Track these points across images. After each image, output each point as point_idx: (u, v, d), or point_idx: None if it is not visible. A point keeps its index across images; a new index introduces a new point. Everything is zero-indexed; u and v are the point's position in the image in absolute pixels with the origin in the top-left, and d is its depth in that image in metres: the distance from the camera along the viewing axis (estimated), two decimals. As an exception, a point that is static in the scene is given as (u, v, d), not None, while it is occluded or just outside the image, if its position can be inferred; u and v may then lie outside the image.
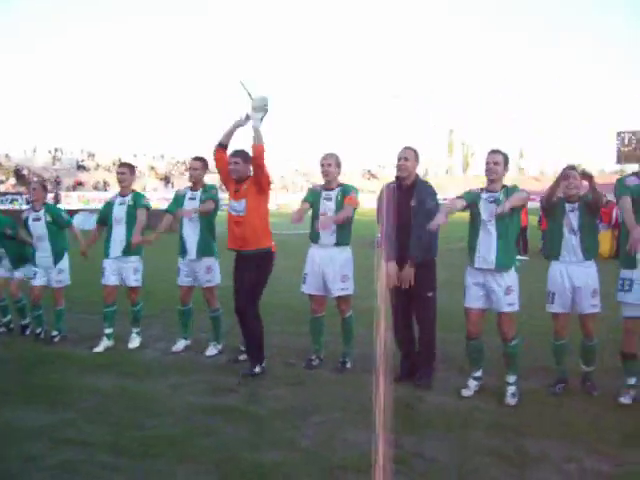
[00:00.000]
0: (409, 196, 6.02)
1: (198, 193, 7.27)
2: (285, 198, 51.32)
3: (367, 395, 5.56)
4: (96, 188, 53.46)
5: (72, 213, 26.78)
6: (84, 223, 21.27)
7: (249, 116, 6.45)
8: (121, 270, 7.51)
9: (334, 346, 6.90)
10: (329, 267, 6.48)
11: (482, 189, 5.77)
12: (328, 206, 6.48)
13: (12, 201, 39.43)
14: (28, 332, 8.29)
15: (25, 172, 53.36)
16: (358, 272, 6.62)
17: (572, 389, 5.84)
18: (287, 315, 8.38)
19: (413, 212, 5.94)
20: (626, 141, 54.98)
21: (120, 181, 7.63)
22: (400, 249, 5.88)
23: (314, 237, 6.60)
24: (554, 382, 5.88)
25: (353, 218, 6.56)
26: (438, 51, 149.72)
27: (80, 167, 60.36)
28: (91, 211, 26.27)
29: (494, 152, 5.72)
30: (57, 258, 7.84)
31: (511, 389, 5.63)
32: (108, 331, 7.57)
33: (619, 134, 56.24)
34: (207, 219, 7.24)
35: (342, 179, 6.72)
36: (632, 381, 5.57)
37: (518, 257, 6.30)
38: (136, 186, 8.24)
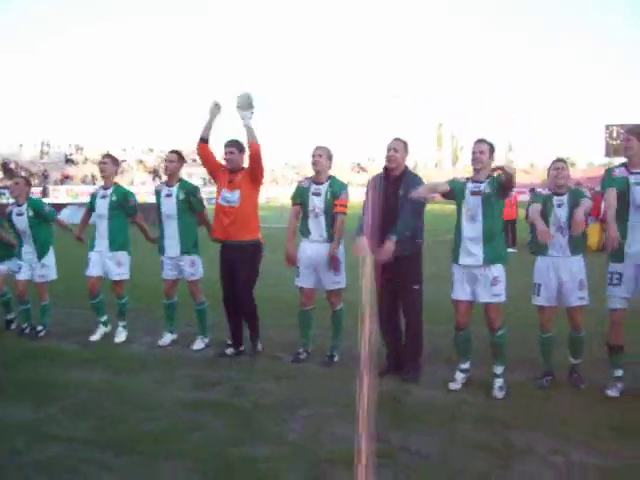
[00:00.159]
0: (397, 186, 6.00)
1: (174, 189, 7.17)
2: (275, 191, 51.19)
3: (355, 388, 5.58)
4: (84, 182, 53.15)
5: (60, 207, 26.68)
6: (72, 217, 21.12)
7: (217, 104, 6.60)
8: (105, 263, 7.46)
9: (322, 340, 6.88)
10: (322, 261, 6.46)
11: (468, 179, 5.77)
12: (317, 203, 6.45)
13: (-1, 195, 39.17)
14: (13, 327, 8.22)
15: (12, 166, 52.98)
16: (346, 265, 6.60)
17: (559, 382, 5.85)
18: (275, 308, 8.34)
19: (400, 201, 5.92)
20: (615, 134, 55.16)
21: (101, 171, 7.63)
22: (384, 237, 5.83)
23: (305, 232, 6.57)
24: (541, 375, 5.89)
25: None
26: (438, 51, 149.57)
27: (68, 161, 60.01)
28: (79, 205, 26.11)
29: (480, 141, 5.72)
30: (41, 253, 7.78)
31: (498, 381, 5.63)
32: (103, 319, 7.64)
33: (607, 127, 56.46)
34: (188, 217, 7.18)
35: (332, 172, 6.68)
36: (619, 373, 5.58)
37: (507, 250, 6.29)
38: (124, 180, 8.26)
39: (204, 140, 6.75)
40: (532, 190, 8.10)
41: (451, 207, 5.90)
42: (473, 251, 5.59)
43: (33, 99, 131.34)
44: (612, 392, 5.50)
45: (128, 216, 7.53)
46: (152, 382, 5.95)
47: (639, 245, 5.39)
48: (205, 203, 7.51)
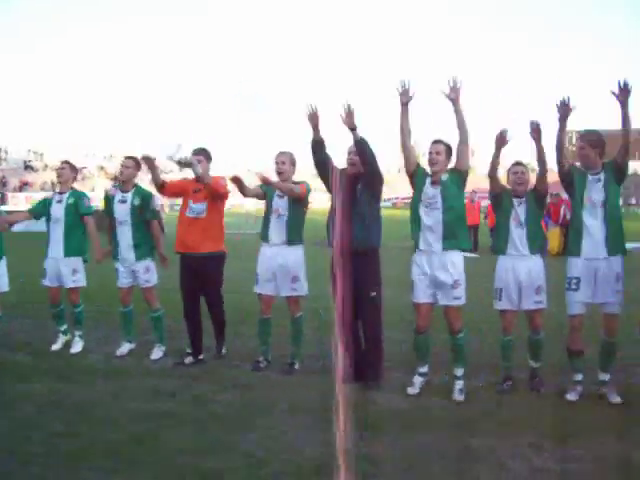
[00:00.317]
0: (355, 181, 5.99)
1: (129, 195, 7.04)
2: (238, 199, 50.69)
3: (315, 397, 5.51)
4: (43, 189, 52.16)
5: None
6: (30, 225, 20.64)
7: (148, 157, 6.72)
8: (60, 271, 7.25)
9: (283, 348, 6.77)
10: (280, 267, 6.37)
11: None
12: (280, 203, 6.38)
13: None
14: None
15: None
16: (308, 272, 6.52)
17: (519, 386, 5.85)
18: (234, 317, 8.23)
19: (359, 194, 5.95)
20: (574, 140, 56.23)
21: (58, 176, 7.50)
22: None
23: (265, 236, 6.49)
24: (502, 379, 5.88)
25: (304, 217, 6.52)
26: (438, 51, 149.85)
27: (27, 167, 58.88)
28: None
29: (436, 142, 5.74)
30: None
31: (459, 384, 5.63)
32: (62, 328, 7.49)
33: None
34: (140, 221, 7.02)
35: (295, 178, 6.60)
36: (578, 377, 5.59)
37: (468, 254, 6.31)
38: (86, 186, 8.08)
39: (161, 185, 6.84)
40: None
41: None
42: (434, 243, 5.61)
43: (14, 105, 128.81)
44: (571, 396, 5.52)
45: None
46: (108, 393, 5.79)
47: (593, 241, 5.41)
48: (167, 209, 7.41)
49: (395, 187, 52.96)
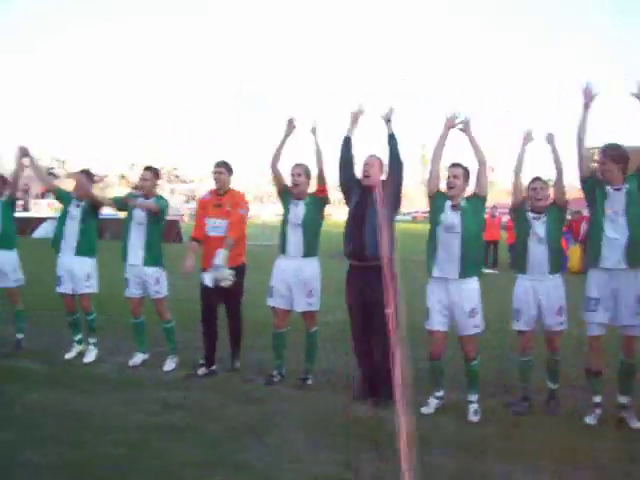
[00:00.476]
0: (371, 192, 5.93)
1: (151, 200, 7.08)
2: (257, 209, 50.84)
3: (327, 413, 5.43)
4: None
5: (40, 221, 26.36)
6: (52, 231, 20.82)
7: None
8: (74, 275, 7.26)
9: (297, 362, 6.69)
10: (296, 281, 6.32)
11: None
12: (296, 213, 6.36)
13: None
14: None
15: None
16: (323, 285, 6.46)
17: (536, 407, 5.72)
18: (249, 329, 8.17)
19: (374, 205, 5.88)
20: (596, 156, 55.78)
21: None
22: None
23: (282, 248, 6.44)
24: (518, 400, 5.76)
25: (320, 228, 6.49)
26: (438, 51, 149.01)
27: (50, 174, 59.59)
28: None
29: (454, 165, 5.65)
30: None
31: (473, 406, 5.52)
32: (77, 337, 7.49)
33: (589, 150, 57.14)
34: (154, 226, 7.04)
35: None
36: (597, 399, 5.45)
37: (488, 270, 6.21)
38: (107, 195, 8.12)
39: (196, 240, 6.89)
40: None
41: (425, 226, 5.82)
42: (447, 268, 5.51)
43: (14, 106, 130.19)
44: (590, 420, 5.37)
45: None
46: (119, 404, 5.74)
47: (613, 251, 5.25)
48: (186, 219, 7.44)
49: (414, 201, 52.88)
